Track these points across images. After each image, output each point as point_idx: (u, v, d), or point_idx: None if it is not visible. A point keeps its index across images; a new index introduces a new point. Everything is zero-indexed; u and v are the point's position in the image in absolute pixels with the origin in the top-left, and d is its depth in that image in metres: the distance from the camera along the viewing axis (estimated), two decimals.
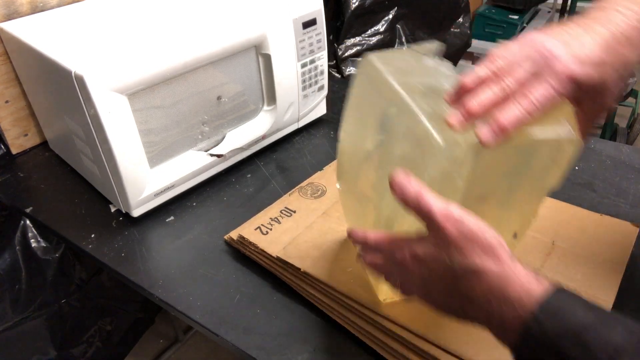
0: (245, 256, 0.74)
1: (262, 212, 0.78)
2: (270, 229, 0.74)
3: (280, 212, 0.77)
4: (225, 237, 0.77)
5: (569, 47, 0.41)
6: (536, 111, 0.40)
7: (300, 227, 0.73)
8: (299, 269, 0.66)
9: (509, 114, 0.40)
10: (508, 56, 0.44)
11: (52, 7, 0.93)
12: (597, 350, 0.32)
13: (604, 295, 0.62)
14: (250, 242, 0.72)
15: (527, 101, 0.40)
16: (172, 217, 0.83)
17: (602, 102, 0.43)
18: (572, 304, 0.35)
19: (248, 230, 0.74)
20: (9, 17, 0.88)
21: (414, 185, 0.41)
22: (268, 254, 0.69)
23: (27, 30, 0.83)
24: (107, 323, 1.16)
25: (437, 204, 0.40)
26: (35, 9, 0.91)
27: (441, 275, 0.40)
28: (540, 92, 0.41)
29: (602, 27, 0.42)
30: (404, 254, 0.43)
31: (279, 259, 0.68)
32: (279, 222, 0.75)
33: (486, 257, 0.37)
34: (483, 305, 0.37)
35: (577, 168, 0.88)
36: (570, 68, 0.41)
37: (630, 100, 2.41)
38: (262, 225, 0.75)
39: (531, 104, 0.40)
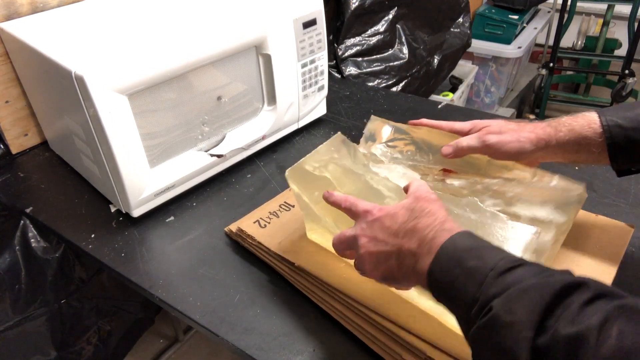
0: (245, 256, 0.75)
1: (262, 206, 0.79)
2: (269, 223, 0.75)
3: (280, 206, 0.78)
4: (225, 229, 0.78)
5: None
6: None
7: (297, 222, 0.74)
8: (294, 264, 0.67)
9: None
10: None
11: (52, 8, 0.93)
12: (488, 259, 0.44)
13: None
14: (248, 235, 0.73)
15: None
16: (172, 217, 0.83)
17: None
18: (478, 238, 0.48)
19: (247, 223, 0.75)
20: (10, 17, 0.88)
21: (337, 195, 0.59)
22: (266, 247, 0.70)
23: (28, 30, 0.83)
24: (107, 323, 1.16)
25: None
26: (35, 9, 0.91)
27: (396, 214, 0.52)
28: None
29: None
30: (372, 204, 0.56)
31: (275, 253, 0.69)
32: (277, 216, 0.76)
33: (439, 210, 0.51)
34: (421, 231, 0.49)
35: (577, 168, 0.88)
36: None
37: (631, 100, 2.41)
38: (260, 218, 0.76)
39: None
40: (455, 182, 0.70)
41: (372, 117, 0.78)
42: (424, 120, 0.73)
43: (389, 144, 0.76)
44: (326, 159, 0.65)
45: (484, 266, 0.44)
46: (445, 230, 0.48)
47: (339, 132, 0.67)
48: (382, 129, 0.77)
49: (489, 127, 0.66)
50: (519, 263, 0.43)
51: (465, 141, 0.66)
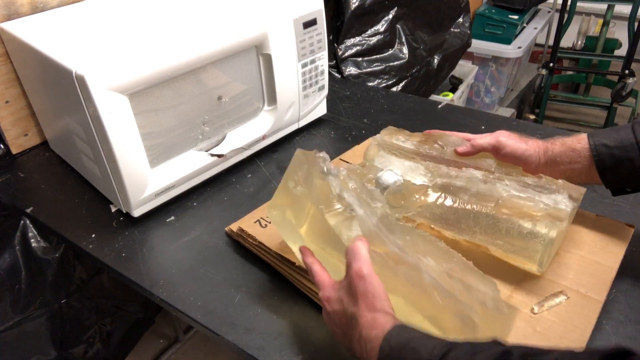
0: (245, 256, 0.75)
1: (262, 205, 0.79)
2: (269, 222, 0.75)
3: None
4: (226, 228, 0.78)
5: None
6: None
7: None
8: (294, 263, 0.67)
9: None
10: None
11: (52, 7, 0.93)
12: (422, 351, 0.47)
13: (595, 295, 0.62)
14: (249, 235, 0.72)
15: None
16: (172, 217, 0.83)
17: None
18: (408, 330, 0.50)
19: (247, 223, 0.75)
20: (10, 17, 0.88)
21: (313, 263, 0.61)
22: (266, 247, 0.70)
23: (28, 30, 0.83)
24: (107, 323, 1.16)
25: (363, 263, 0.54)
26: (35, 9, 0.91)
27: (340, 316, 0.55)
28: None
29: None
30: (325, 294, 0.57)
31: (276, 253, 0.69)
32: None
33: (366, 309, 0.52)
34: (358, 342, 0.52)
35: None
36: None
37: (631, 100, 2.41)
38: (261, 218, 0.76)
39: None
40: (473, 171, 0.71)
41: (389, 126, 0.82)
42: (438, 131, 0.80)
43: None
44: (300, 176, 0.65)
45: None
46: (375, 339, 0.50)
47: (298, 149, 0.67)
48: (398, 132, 0.81)
49: (499, 131, 0.73)
50: (449, 348, 0.46)
51: (479, 139, 0.72)
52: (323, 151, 0.65)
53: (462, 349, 0.46)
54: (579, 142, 0.67)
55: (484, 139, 0.72)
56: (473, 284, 0.57)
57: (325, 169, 0.63)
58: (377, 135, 0.81)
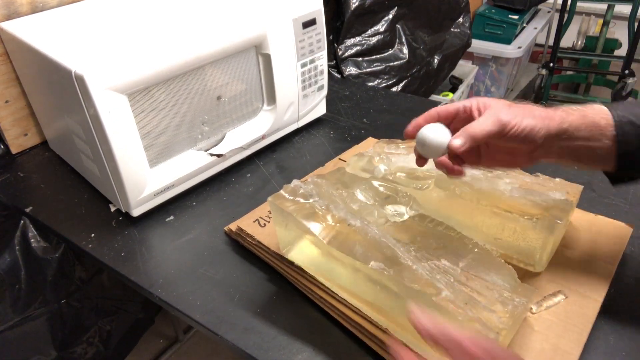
0: (245, 255, 0.75)
1: (261, 205, 0.79)
2: (268, 222, 0.75)
3: None
4: (225, 228, 0.78)
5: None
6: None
7: None
8: (294, 263, 0.67)
9: None
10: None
11: (52, 7, 0.93)
12: None
13: (594, 294, 0.62)
14: (248, 234, 0.73)
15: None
16: (172, 217, 0.83)
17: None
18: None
19: (246, 223, 0.75)
20: (9, 17, 0.88)
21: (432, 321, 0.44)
22: (265, 247, 0.70)
23: (27, 30, 0.83)
24: (107, 323, 1.16)
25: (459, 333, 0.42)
26: (35, 9, 0.91)
27: None
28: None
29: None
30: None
31: (275, 252, 0.69)
32: None
33: None
34: None
35: (576, 168, 0.88)
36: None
37: (631, 100, 2.41)
38: (260, 217, 0.76)
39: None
40: (472, 170, 0.70)
41: (383, 139, 0.81)
42: (410, 128, 0.59)
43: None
44: (287, 215, 0.64)
45: None
46: None
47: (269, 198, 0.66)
48: (390, 142, 0.81)
49: (491, 104, 0.55)
50: None
51: (478, 127, 0.53)
52: (293, 180, 0.66)
53: None
54: (602, 116, 0.53)
55: (485, 126, 0.53)
56: (490, 277, 0.57)
57: (301, 199, 0.63)
58: (369, 149, 0.79)
